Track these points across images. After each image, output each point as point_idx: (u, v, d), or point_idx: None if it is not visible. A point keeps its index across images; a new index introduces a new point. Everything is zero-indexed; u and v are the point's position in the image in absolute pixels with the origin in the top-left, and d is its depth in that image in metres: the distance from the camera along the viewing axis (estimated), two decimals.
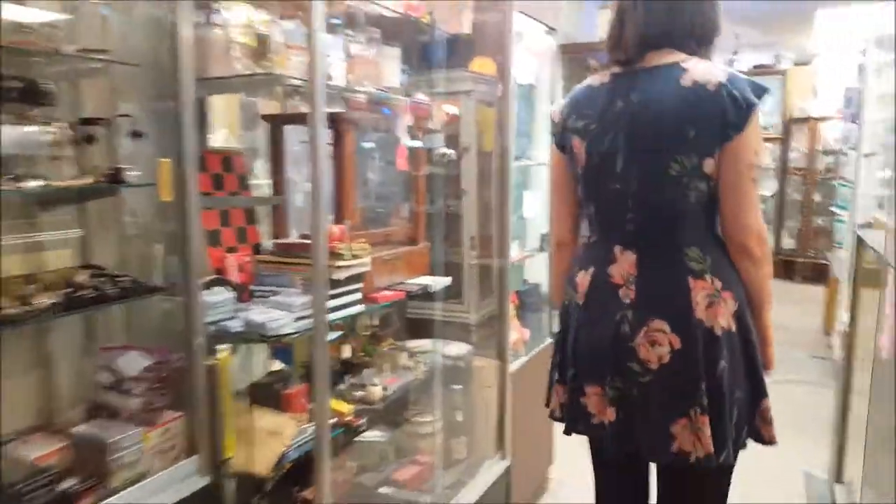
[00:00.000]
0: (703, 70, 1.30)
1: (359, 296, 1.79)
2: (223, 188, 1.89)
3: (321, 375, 1.41)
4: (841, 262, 4.32)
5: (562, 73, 3.57)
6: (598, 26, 4.08)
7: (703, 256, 1.32)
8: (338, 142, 1.85)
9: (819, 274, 6.78)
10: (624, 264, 1.35)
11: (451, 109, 2.25)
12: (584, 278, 1.41)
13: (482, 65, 2.39)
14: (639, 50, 1.34)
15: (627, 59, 1.36)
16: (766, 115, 7.48)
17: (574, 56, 4.06)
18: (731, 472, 1.39)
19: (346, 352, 2.16)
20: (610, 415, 1.35)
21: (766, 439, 1.38)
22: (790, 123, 7.48)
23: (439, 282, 2.18)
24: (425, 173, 2.27)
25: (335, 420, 1.71)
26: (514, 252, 2.54)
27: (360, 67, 1.93)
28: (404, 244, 2.24)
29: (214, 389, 1.54)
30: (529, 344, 2.64)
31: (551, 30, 2.71)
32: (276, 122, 1.93)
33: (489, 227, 2.42)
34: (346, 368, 2.10)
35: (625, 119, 1.34)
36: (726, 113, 1.27)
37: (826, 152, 7.10)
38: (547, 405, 1.56)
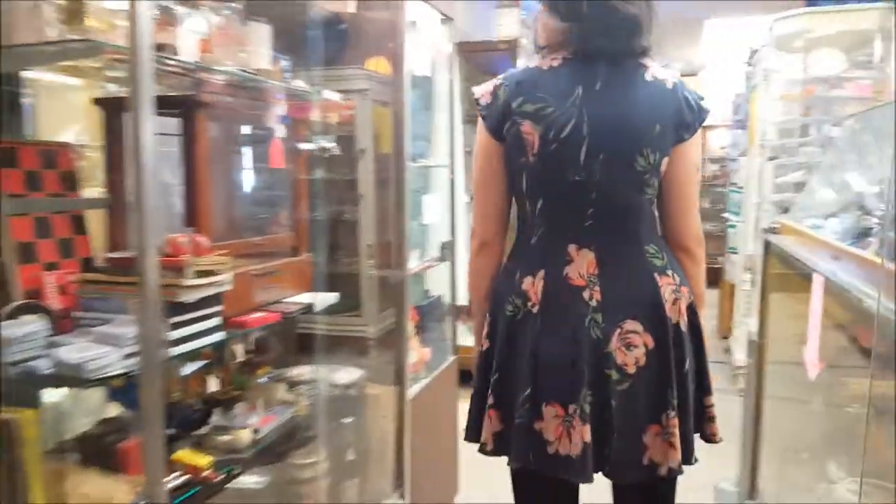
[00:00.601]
0: (658, 67, 1.28)
1: (218, 320, 1.46)
2: (41, 189, 1.50)
3: (152, 430, 1.07)
4: (735, 266, 4.38)
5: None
6: (498, 27, 3.91)
7: (660, 253, 1.30)
8: (189, 132, 1.51)
9: (710, 277, 6.98)
10: (582, 264, 1.26)
11: (334, 97, 1.95)
12: (534, 283, 1.27)
13: (378, 64, 2.23)
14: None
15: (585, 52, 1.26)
16: None
17: (470, 55, 3.87)
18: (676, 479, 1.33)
19: (212, 385, 1.81)
20: (583, 436, 1.21)
21: (713, 438, 1.36)
22: None
23: (324, 298, 1.88)
24: (315, 176, 1.98)
25: (186, 478, 1.36)
26: (414, 262, 2.28)
27: (219, 44, 1.60)
28: (284, 255, 1.92)
29: (13, 450, 1.16)
30: (431, 364, 2.38)
31: (447, 19, 2.48)
32: (112, 108, 1.56)
33: (388, 235, 2.20)
34: (212, 406, 1.75)
35: (589, 107, 1.24)
36: (682, 113, 1.27)
37: (713, 160, 7.36)
38: (472, 438, 1.37)
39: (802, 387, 2.15)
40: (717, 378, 4.03)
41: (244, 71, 1.65)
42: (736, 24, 5.89)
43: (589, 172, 1.25)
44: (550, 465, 1.24)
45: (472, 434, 1.37)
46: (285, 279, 1.85)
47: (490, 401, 1.31)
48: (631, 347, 1.24)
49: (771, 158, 2.69)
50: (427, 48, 2.40)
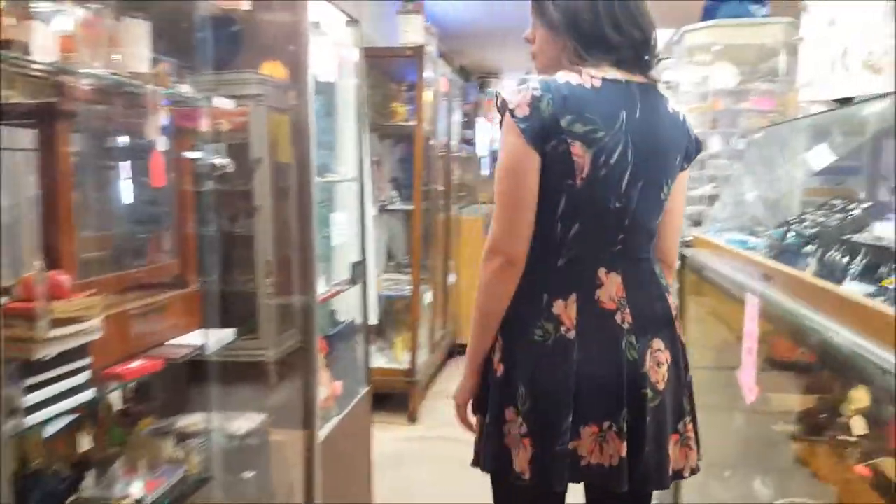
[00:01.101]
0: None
1: (85, 376, 1.21)
2: None
3: None
4: None
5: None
6: (402, 32, 3.76)
7: (662, 273, 1.37)
8: (47, 146, 1.25)
9: None
10: (611, 287, 1.27)
11: (224, 103, 1.72)
12: (566, 307, 1.26)
13: (274, 68, 2.04)
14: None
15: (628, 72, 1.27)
16: None
17: (374, 61, 3.70)
18: None
19: (84, 444, 1.53)
20: (619, 451, 1.24)
21: None
22: None
23: (218, 337, 1.64)
24: (205, 189, 1.74)
25: None
26: (322, 286, 2.08)
27: (87, 43, 1.35)
28: (168, 287, 1.67)
29: None
30: (342, 399, 2.18)
31: (353, 21, 2.30)
32: None
33: (288, 250, 2.01)
34: (84, 469, 1.47)
35: (633, 133, 1.24)
36: (689, 144, 1.36)
37: None
38: (488, 468, 1.32)
39: (725, 400, 2.14)
40: None
41: (116, 74, 1.40)
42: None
43: (628, 199, 1.26)
44: (585, 476, 1.27)
45: (490, 463, 1.31)
46: (171, 316, 1.60)
47: (523, 429, 1.26)
48: (660, 365, 1.29)
49: (681, 170, 2.70)
50: (331, 51, 2.21)
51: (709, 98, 2.61)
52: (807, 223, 1.93)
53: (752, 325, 1.40)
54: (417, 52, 3.48)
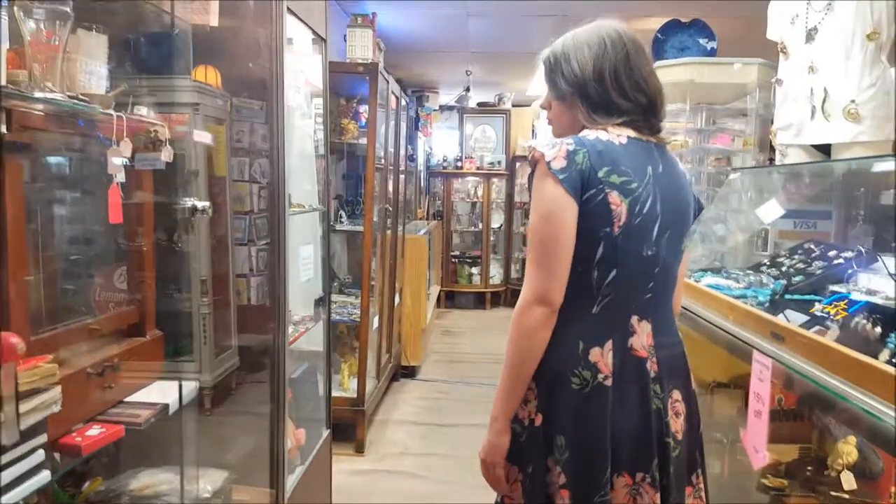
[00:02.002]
0: None
1: (40, 456, 1.02)
2: None
3: None
4: None
5: None
6: (349, 47, 3.60)
7: (675, 321, 1.40)
8: None
9: None
10: (643, 336, 1.29)
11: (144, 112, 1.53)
12: (602, 355, 1.26)
13: (206, 74, 1.88)
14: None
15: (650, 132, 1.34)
16: (493, 152, 7.83)
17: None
18: None
19: None
20: (655, 500, 1.25)
21: None
22: (514, 160, 7.92)
23: (182, 393, 1.46)
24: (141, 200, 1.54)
25: None
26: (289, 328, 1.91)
27: (40, 60, 1.17)
28: (124, 335, 1.47)
29: None
30: (305, 448, 2.01)
31: (320, 39, 2.15)
32: None
33: (223, 265, 1.89)
34: None
35: (660, 187, 1.30)
36: (695, 201, 1.41)
37: None
38: None
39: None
40: None
41: (73, 99, 1.21)
42: None
43: (658, 248, 1.30)
44: None
45: None
46: (130, 370, 1.41)
47: (561, 479, 1.25)
48: (678, 416, 1.31)
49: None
50: (297, 70, 2.05)
51: (677, 137, 2.62)
52: (785, 268, 1.95)
53: (761, 387, 1.36)
54: (370, 69, 3.35)
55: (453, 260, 7.68)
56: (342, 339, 4.10)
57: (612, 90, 1.29)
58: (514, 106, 7.96)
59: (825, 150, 1.98)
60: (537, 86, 7.25)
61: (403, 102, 4.45)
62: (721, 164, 2.68)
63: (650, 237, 1.28)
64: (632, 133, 1.30)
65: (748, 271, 1.99)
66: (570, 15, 4.86)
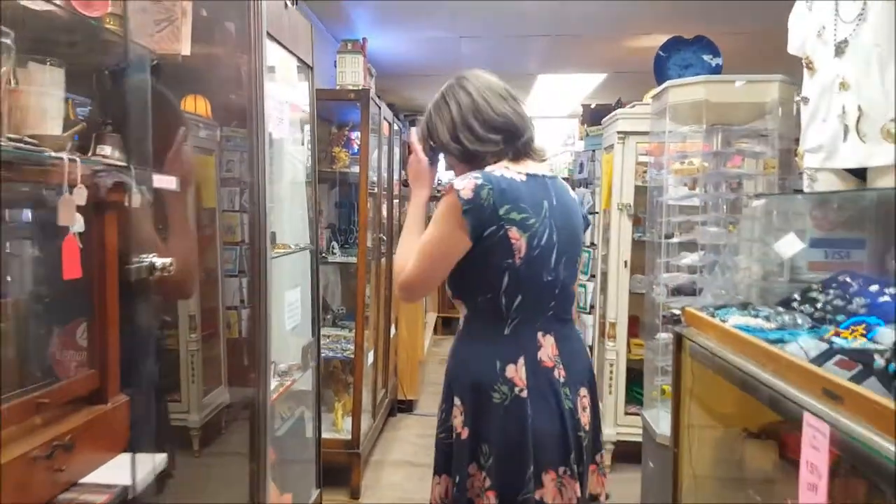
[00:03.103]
0: None
1: None
2: None
3: None
4: (586, 328, 4.29)
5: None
6: (339, 73, 3.48)
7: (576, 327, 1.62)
8: None
9: None
10: (548, 348, 1.49)
11: None
12: (516, 370, 1.45)
13: (196, 104, 1.82)
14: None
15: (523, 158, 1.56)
16: None
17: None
18: None
19: None
20: (575, 491, 1.45)
21: None
22: None
23: (148, 468, 1.27)
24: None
25: None
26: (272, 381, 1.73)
27: None
28: (82, 403, 1.28)
29: None
30: None
31: (306, 66, 1.98)
32: None
33: (213, 299, 1.88)
34: None
35: (555, 219, 1.50)
36: (585, 220, 1.65)
37: None
38: None
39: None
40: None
41: (22, 144, 1.04)
42: (568, 78, 6.03)
43: (556, 272, 1.50)
44: None
45: None
46: (87, 445, 1.22)
47: (487, 483, 1.42)
48: (584, 409, 1.52)
49: (666, 237, 2.52)
50: (282, 99, 1.89)
51: (692, 160, 2.45)
52: (821, 304, 1.77)
53: (816, 457, 1.18)
54: (362, 95, 3.20)
55: None
56: (336, 376, 3.90)
57: (468, 142, 1.50)
58: None
59: (859, 173, 1.82)
60: (534, 105, 7.14)
61: (396, 127, 4.30)
62: (738, 188, 2.53)
63: (549, 264, 1.48)
64: (529, 170, 1.51)
65: (779, 308, 1.82)
66: (563, 34, 4.78)
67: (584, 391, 1.53)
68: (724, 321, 1.84)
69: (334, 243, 3.69)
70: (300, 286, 2.01)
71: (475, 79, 1.56)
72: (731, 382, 1.62)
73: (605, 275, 3.71)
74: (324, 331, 3.89)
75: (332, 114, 3.61)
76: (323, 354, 3.44)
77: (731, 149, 2.41)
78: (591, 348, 4.17)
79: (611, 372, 3.55)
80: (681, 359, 2.02)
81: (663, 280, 2.50)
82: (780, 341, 1.58)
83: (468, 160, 1.52)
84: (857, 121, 1.75)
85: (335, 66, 3.48)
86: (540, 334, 1.49)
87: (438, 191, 3.12)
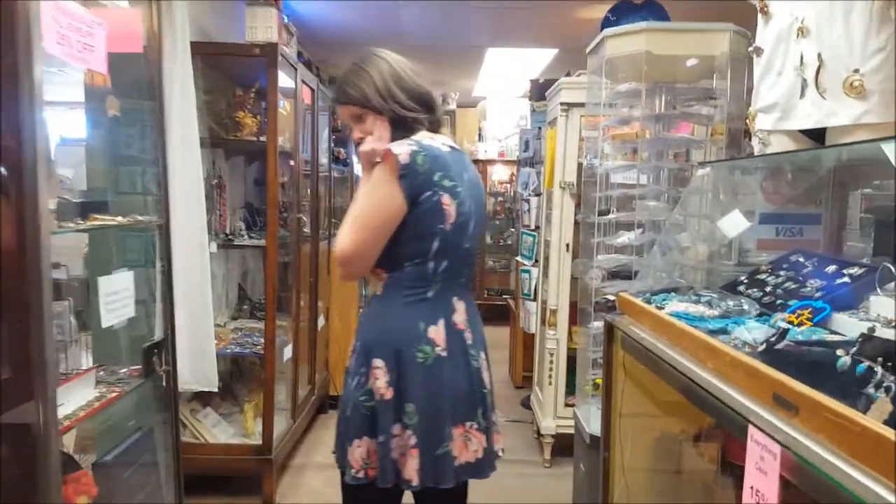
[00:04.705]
0: None
1: None
2: None
3: None
4: (530, 315, 4.01)
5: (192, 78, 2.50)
6: (250, 28, 3.07)
7: None
8: None
9: (494, 314, 6.75)
10: (461, 312, 1.58)
11: None
12: (438, 331, 1.53)
13: None
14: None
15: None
16: None
17: (216, 60, 2.99)
18: None
19: None
20: (481, 442, 1.56)
21: None
22: None
23: None
24: None
25: None
26: (86, 393, 1.36)
27: None
28: None
29: None
30: None
31: None
32: None
33: None
34: None
35: (470, 190, 1.59)
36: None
37: (493, 194, 7.20)
38: (388, 482, 1.49)
39: None
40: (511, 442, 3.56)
41: None
42: (518, 53, 5.73)
43: (472, 241, 1.59)
44: (459, 474, 1.53)
45: (390, 476, 1.49)
46: None
47: (412, 441, 1.48)
48: (486, 370, 1.62)
49: (602, 213, 2.23)
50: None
51: (633, 123, 2.15)
52: (770, 287, 1.50)
53: (762, 481, 0.89)
54: (268, 52, 2.80)
55: None
56: (253, 373, 3.54)
57: (397, 108, 1.52)
58: (458, 107, 7.51)
59: (817, 136, 1.55)
60: (485, 83, 6.82)
61: (328, 100, 3.92)
62: (681, 160, 2.24)
63: (468, 233, 1.56)
64: (448, 142, 1.59)
65: (724, 292, 1.54)
66: (510, 3, 4.46)
67: (483, 354, 1.62)
68: (660, 308, 1.56)
69: (241, 223, 3.31)
70: (144, 269, 1.65)
71: (389, 54, 1.59)
72: (666, 382, 1.34)
73: (546, 259, 3.43)
74: (237, 323, 3.52)
75: (237, 74, 3.22)
76: (229, 350, 3.09)
77: (675, 112, 2.12)
78: (534, 336, 3.92)
79: (551, 361, 3.27)
80: (612, 351, 1.74)
81: (598, 262, 2.21)
82: (723, 332, 1.30)
83: (395, 126, 1.54)
84: (817, 73, 1.48)
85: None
86: (455, 299, 1.57)
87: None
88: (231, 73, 3.22)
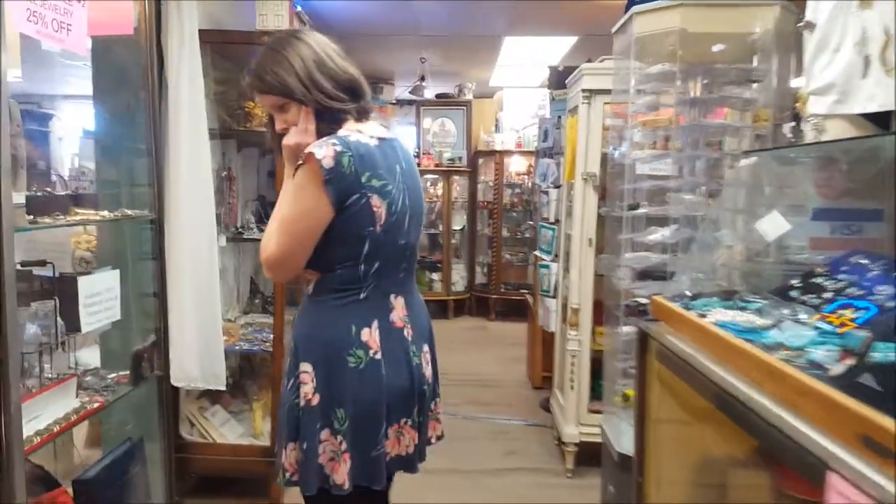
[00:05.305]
0: None
1: None
2: None
3: None
4: (550, 313, 3.85)
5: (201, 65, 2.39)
6: (261, 16, 2.98)
7: None
8: None
9: (511, 309, 6.60)
10: (399, 309, 1.52)
11: None
12: (371, 333, 1.46)
13: None
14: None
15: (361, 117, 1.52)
16: (453, 147, 7.18)
17: (223, 48, 2.88)
18: None
19: None
20: (413, 438, 1.55)
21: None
22: (476, 156, 7.28)
23: None
24: None
25: None
26: (67, 402, 1.23)
27: None
28: None
29: None
30: None
31: None
32: None
33: None
34: None
35: (406, 183, 1.51)
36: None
37: (509, 185, 7.01)
38: (311, 489, 1.43)
39: None
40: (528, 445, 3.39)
41: None
42: (536, 42, 5.54)
43: (409, 236, 1.54)
44: (389, 469, 1.52)
45: (315, 484, 1.43)
46: None
47: (343, 447, 1.43)
48: (427, 364, 1.59)
49: (631, 208, 2.05)
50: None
51: (660, 110, 1.96)
52: (830, 294, 1.33)
53: None
54: None
55: None
56: (264, 369, 3.42)
57: (321, 99, 1.42)
58: (475, 97, 7.33)
59: (880, 121, 1.37)
60: (502, 73, 6.63)
61: None
62: (715, 150, 2.05)
63: (403, 228, 1.48)
64: (377, 133, 1.48)
65: (775, 298, 1.37)
66: None
67: (426, 347, 1.58)
68: (702, 315, 1.39)
69: (251, 217, 3.18)
70: (121, 269, 1.51)
71: (310, 35, 1.49)
72: (714, 405, 1.17)
73: (567, 254, 3.26)
74: (248, 318, 3.40)
75: (246, 63, 3.08)
76: (238, 347, 2.97)
77: (712, 96, 1.93)
78: (553, 335, 3.76)
79: (572, 364, 3.10)
80: (646, 362, 1.57)
81: (626, 261, 2.04)
82: (781, 346, 1.13)
83: (320, 116, 1.44)
84: (883, 48, 1.30)
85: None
86: (392, 296, 1.51)
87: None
88: (242, 63, 3.08)
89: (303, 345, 1.46)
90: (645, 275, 2.06)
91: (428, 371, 1.57)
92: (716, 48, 1.85)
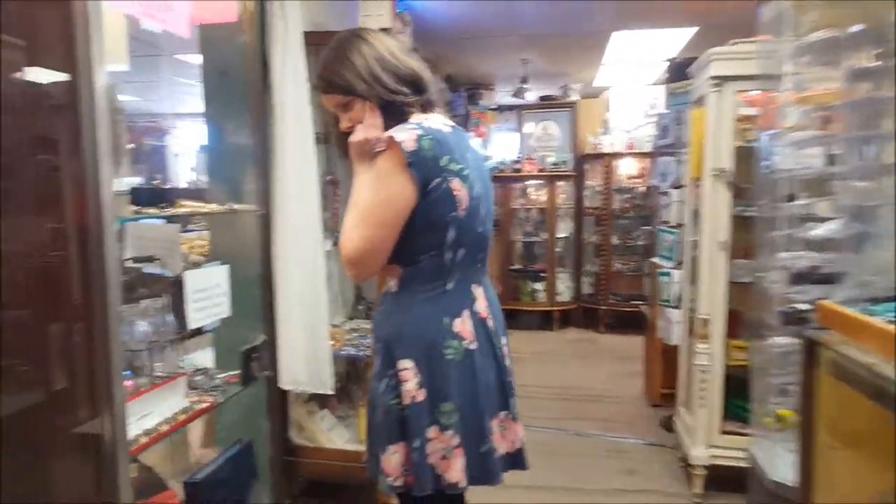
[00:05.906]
0: None
1: None
2: None
3: None
4: (671, 324, 3.56)
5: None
6: (364, 17, 2.97)
7: None
8: None
9: (622, 321, 6.26)
10: (481, 300, 1.51)
11: None
12: (463, 323, 1.46)
13: None
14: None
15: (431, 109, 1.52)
16: (557, 151, 6.96)
17: (321, 47, 2.86)
18: None
19: None
20: (517, 433, 1.55)
21: None
22: (582, 160, 7.02)
23: None
24: None
25: None
26: (174, 402, 1.17)
27: None
28: None
29: None
30: None
31: None
32: None
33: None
34: None
35: (477, 170, 1.49)
36: None
37: (618, 190, 6.68)
38: (428, 489, 1.39)
39: None
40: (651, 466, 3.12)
41: None
42: (648, 36, 5.24)
43: (485, 224, 1.53)
44: (503, 467, 1.50)
45: (431, 484, 1.40)
46: None
47: (455, 441, 1.41)
48: (508, 356, 1.57)
49: (790, 199, 1.79)
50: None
51: (813, 88, 1.69)
52: None
53: None
54: None
55: (513, 274, 6.82)
56: (368, 375, 3.36)
57: (382, 93, 1.42)
58: (581, 98, 7.06)
59: None
60: (610, 70, 6.35)
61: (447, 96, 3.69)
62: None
63: (479, 216, 1.49)
64: (446, 121, 1.49)
65: None
66: None
67: (504, 339, 1.58)
68: (891, 322, 1.14)
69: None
70: (245, 262, 1.46)
71: (372, 34, 1.49)
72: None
73: (694, 260, 2.97)
74: (352, 323, 3.36)
75: None
76: (343, 352, 2.91)
77: (885, 64, 1.63)
78: (675, 348, 3.46)
79: (703, 380, 2.81)
80: (814, 377, 1.33)
81: (782, 261, 1.77)
82: None
83: (385, 111, 1.45)
84: None
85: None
86: (474, 286, 1.51)
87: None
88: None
89: (397, 342, 1.44)
90: (801, 278, 1.78)
91: (508, 363, 1.57)
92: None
